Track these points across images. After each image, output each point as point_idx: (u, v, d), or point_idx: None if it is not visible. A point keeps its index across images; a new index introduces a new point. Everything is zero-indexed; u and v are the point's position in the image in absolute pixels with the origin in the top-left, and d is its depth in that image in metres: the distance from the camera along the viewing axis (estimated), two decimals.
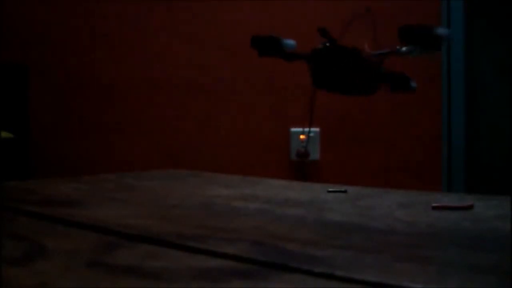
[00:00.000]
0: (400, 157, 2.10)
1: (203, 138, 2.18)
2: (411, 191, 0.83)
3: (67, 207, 0.67)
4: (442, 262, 0.43)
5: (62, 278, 0.38)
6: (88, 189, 0.83)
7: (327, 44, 0.66)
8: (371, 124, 2.11)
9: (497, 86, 2.13)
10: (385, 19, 2.08)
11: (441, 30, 0.60)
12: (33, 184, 0.88)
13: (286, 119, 2.14)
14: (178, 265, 0.42)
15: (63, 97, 2.27)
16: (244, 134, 2.17)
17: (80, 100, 2.26)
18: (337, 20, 2.11)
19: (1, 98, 2.10)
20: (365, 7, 1.94)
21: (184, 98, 2.19)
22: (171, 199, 0.73)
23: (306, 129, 2.13)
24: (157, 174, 1.04)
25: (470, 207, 0.68)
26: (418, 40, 0.61)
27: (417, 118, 2.09)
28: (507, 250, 0.46)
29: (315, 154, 2.13)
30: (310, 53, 0.67)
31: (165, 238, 0.50)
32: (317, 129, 2.12)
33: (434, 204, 0.68)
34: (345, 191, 0.81)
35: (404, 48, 0.62)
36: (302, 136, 2.13)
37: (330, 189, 0.82)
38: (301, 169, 2.15)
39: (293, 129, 2.13)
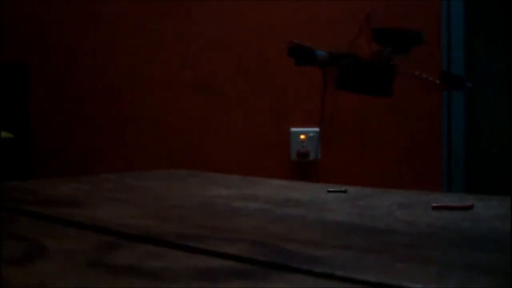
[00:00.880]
0: (400, 157, 2.10)
1: (203, 138, 2.18)
2: (411, 191, 0.83)
3: (67, 207, 0.67)
4: (442, 262, 0.42)
5: (62, 278, 0.38)
6: (88, 189, 0.83)
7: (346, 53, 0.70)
8: (371, 124, 2.11)
9: (497, 86, 2.13)
10: (385, 19, 2.08)
11: (414, 35, 0.63)
12: (33, 184, 0.88)
13: (286, 119, 2.14)
14: (178, 265, 0.42)
15: (63, 97, 2.27)
16: (244, 134, 2.17)
17: (80, 100, 2.26)
18: (336, 20, 2.11)
19: (1, 98, 2.10)
20: (365, 15, 1.95)
21: (184, 98, 2.19)
22: (171, 199, 0.73)
23: (306, 129, 2.13)
24: (157, 174, 1.04)
25: (470, 207, 0.68)
26: (391, 43, 0.63)
27: (417, 118, 2.09)
28: (507, 250, 0.46)
29: (315, 154, 2.13)
30: (338, 59, 0.71)
31: (165, 238, 0.50)
32: (317, 129, 2.12)
33: (434, 204, 0.68)
34: (345, 191, 0.81)
35: (386, 51, 0.64)
36: (302, 136, 2.13)
37: (330, 189, 0.82)
38: (301, 169, 2.15)
39: (293, 129, 2.13)
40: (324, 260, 0.43)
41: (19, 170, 2.09)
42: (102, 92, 2.24)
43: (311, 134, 2.13)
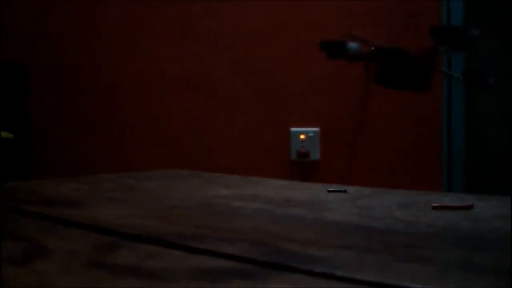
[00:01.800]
0: (400, 157, 2.10)
1: (203, 138, 2.18)
2: (411, 191, 0.83)
3: (67, 207, 0.67)
4: (442, 262, 0.42)
5: (62, 278, 0.38)
6: (88, 189, 0.83)
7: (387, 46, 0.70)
8: (371, 124, 2.11)
9: (497, 86, 2.13)
10: (385, 19, 2.08)
11: (473, 31, 0.63)
12: (33, 184, 0.88)
13: (286, 119, 2.14)
14: (178, 265, 0.42)
15: (63, 97, 2.27)
16: (244, 134, 2.17)
17: (80, 100, 2.26)
18: (336, 20, 2.11)
19: (1, 98, 2.10)
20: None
21: (184, 98, 2.19)
22: (171, 199, 0.73)
23: (306, 129, 2.13)
24: (157, 174, 1.04)
25: (470, 207, 0.68)
26: (449, 40, 0.63)
27: (417, 118, 2.09)
28: (507, 250, 0.46)
29: (315, 154, 2.13)
30: (372, 53, 0.70)
31: (165, 238, 0.50)
32: (317, 129, 2.12)
33: (434, 204, 0.68)
34: (345, 191, 0.81)
35: (441, 47, 0.64)
36: (302, 136, 2.13)
37: (330, 189, 0.82)
38: (301, 169, 2.15)
39: (293, 129, 2.13)
40: (324, 260, 0.43)
41: (19, 170, 2.09)
42: (102, 92, 2.24)
43: (311, 134, 2.13)
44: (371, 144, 2.11)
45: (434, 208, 0.67)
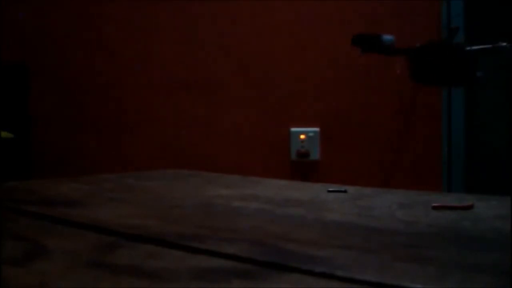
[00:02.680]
0: (400, 157, 2.10)
1: (203, 138, 2.18)
2: (411, 191, 0.83)
3: (67, 207, 0.67)
4: (442, 262, 0.42)
5: (62, 278, 0.38)
6: (88, 189, 0.83)
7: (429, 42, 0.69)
8: (371, 124, 2.11)
9: (497, 86, 2.13)
10: (385, 19, 2.08)
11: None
12: (33, 184, 0.88)
13: (286, 119, 2.14)
14: (178, 265, 0.42)
15: (63, 97, 2.27)
16: (244, 134, 2.17)
17: (80, 100, 2.26)
18: (336, 20, 2.11)
19: (1, 98, 2.10)
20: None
21: (184, 98, 2.19)
22: (171, 199, 0.73)
23: (306, 129, 2.13)
24: (157, 174, 1.04)
25: (470, 207, 0.68)
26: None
27: (417, 118, 2.09)
28: (507, 250, 0.46)
29: (315, 154, 2.13)
30: (412, 49, 0.69)
31: (165, 238, 0.50)
32: (317, 129, 2.12)
33: (434, 204, 0.68)
34: (345, 191, 0.81)
35: (505, 44, 0.64)
36: (302, 136, 2.13)
37: (330, 189, 0.82)
38: (301, 169, 2.15)
39: (293, 129, 2.13)
40: (324, 260, 0.43)
41: (19, 170, 2.09)
42: (102, 92, 2.24)
43: (311, 134, 2.12)
44: (371, 144, 2.11)
45: (434, 208, 0.67)
